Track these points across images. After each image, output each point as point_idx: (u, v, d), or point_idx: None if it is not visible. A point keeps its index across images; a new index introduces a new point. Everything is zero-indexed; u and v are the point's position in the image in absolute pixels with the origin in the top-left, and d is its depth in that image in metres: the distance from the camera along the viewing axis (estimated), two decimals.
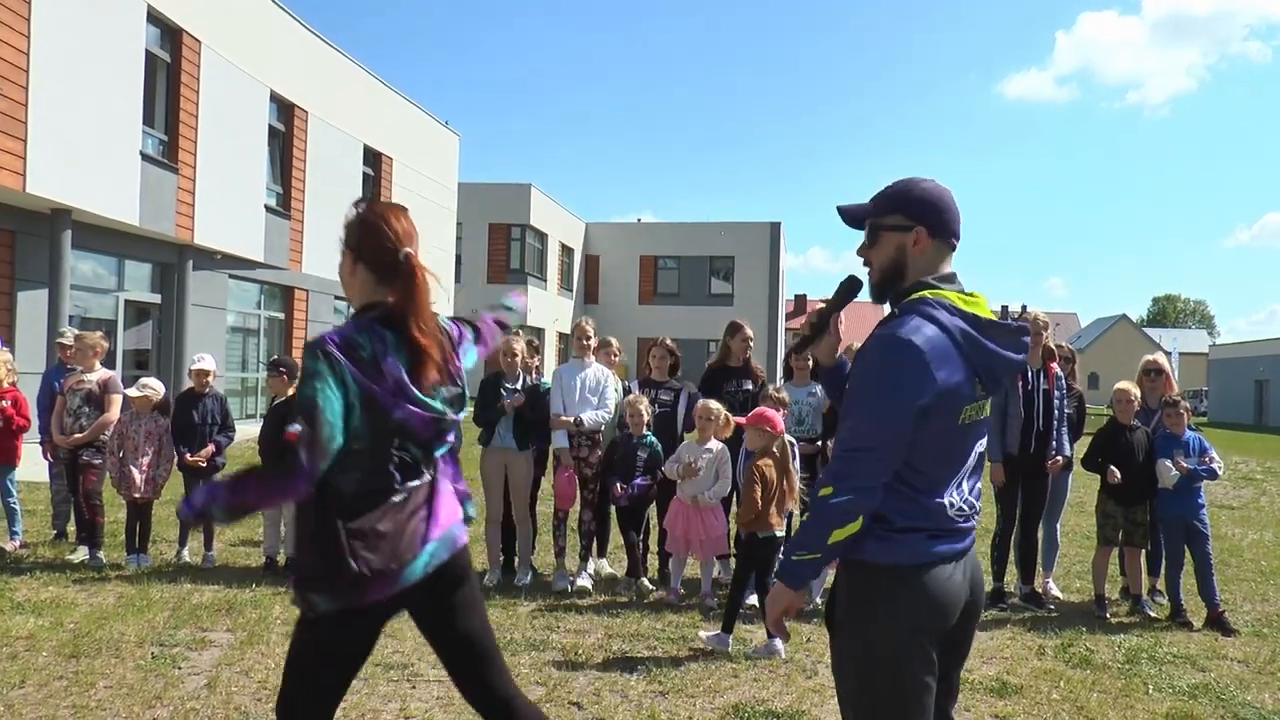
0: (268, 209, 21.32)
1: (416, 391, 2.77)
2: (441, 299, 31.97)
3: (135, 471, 7.80)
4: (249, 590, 7.09)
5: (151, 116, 17.53)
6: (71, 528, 8.51)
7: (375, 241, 2.85)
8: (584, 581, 7.51)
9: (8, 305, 15.43)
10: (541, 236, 42.95)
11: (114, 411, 8.02)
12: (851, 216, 2.73)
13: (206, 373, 8.17)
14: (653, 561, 7.98)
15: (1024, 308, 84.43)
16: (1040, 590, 7.54)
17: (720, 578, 7.43)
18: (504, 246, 41.34)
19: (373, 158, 26.91)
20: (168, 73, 18.02)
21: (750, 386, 7.92)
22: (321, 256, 23.75)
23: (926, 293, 2.56)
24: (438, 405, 2.84)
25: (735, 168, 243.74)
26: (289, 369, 7.91)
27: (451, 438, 2.95)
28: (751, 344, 8.14)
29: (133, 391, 7.93)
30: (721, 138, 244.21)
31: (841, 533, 2.43)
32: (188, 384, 8.56)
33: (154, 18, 17.19)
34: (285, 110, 22.27)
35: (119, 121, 16.19)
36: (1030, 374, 7.33)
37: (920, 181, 2.68)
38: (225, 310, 21.41)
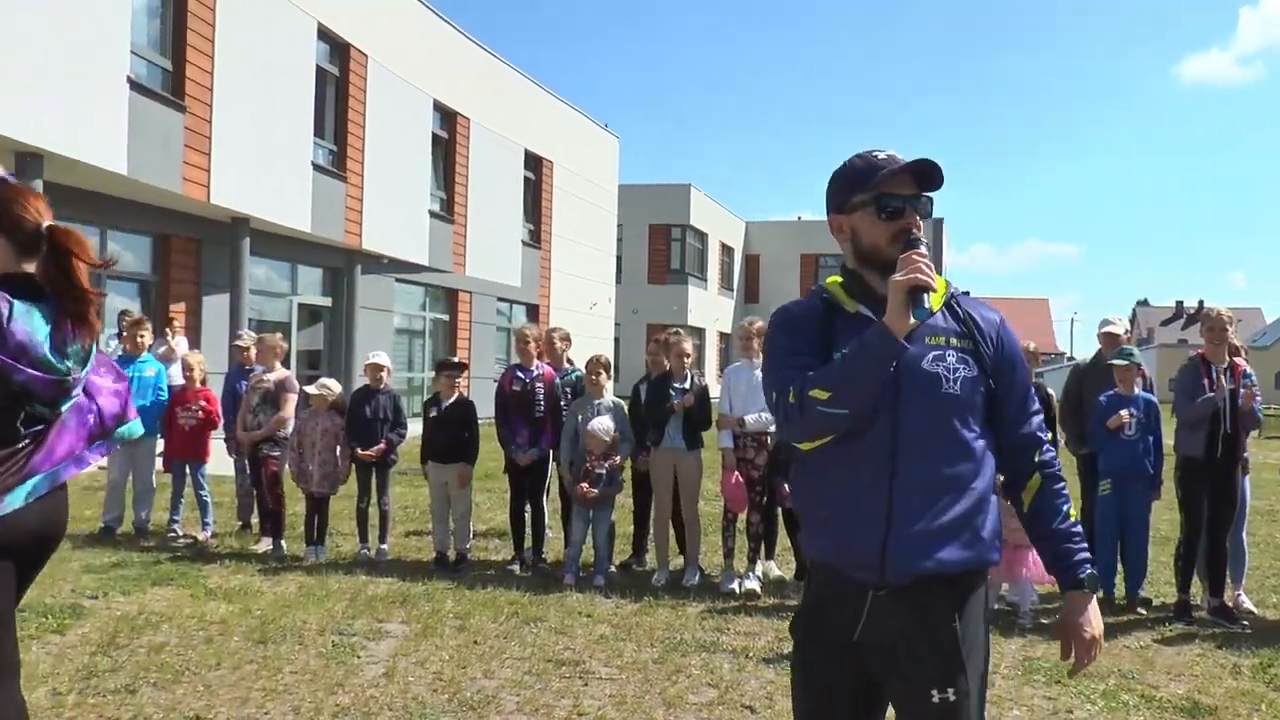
0: (432, 214, 21.95)
1: (45, 354, 2.86)
2: (604, 299, 32.44)
3: (313, 467, 8.12)
4: (421, 584, 7.29)
5: (322, 128, 18.26)
6: (255, 519, 8.93)
7: (13, 217, 2.96)
8: (752, 584, 7.44)
9: (195, 310, 16.30)
10: (701, 236, 43.06)
11: (289, 409, 8.38)
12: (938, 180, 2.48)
13: (381, 368, 8.45)
14: None
15: (1201, 304, 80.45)
16: (1231, 604, 7.04)
17: None
18: (664, 247, 41.61)
19: (533, 162, 27.43)
20: (337, 86, 18.75)
21: None
22: (484, 259, 24.32)
23: None
24: (62, 367, 2.91)
25: None
26: (457, 371, 8.20)
27: (78, 392, 3.03)
28: None
29: (312, 390, 8.27)
30: (882, 131, 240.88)
31: None
32: (358, 384, 8.89)
33: (324, 34, 17.90)
34: (448, 118, 22.90)
35: (292, 134, 16.92)
36: (1215, 372, 6.94)
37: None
38: (392, 313, 22.15)
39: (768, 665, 5.63)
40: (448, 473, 8.01)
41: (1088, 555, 2.46)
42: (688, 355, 7.81)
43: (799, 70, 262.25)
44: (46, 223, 3.03)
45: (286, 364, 9.10)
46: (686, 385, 7.69)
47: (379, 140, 19.72)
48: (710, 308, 43.51)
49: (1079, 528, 2.47)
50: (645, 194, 40.85)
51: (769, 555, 8.10)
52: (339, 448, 8.22)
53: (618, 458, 7.66)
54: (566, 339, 8.60)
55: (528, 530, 8.12)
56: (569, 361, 8.59)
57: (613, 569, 7.79)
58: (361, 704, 4.82)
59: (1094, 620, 2.43)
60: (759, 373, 7.50)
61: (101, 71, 12.64)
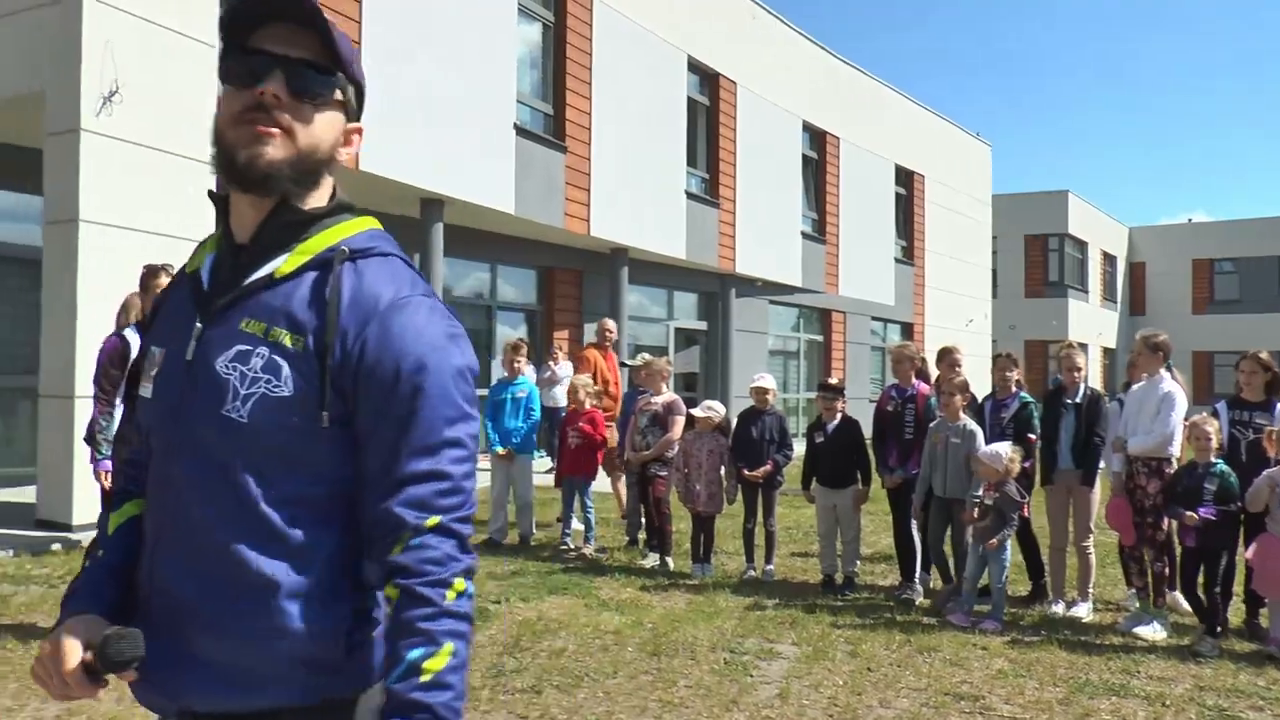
0: (804, 235, 21.94)
1: None
2: (980, 315, 31.16)
3: (699, 487, 8.17)
4: (810, 604, 7.12)
5: (694, 157, 18.72)
6: (642, 535, 9.11)
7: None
8: (1154, 630, 6.53)
9: (577, 337, 17.13)
10: (1081, 245, 40.40)
11: (676, 431, 8.49)
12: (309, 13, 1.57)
13: (767, 390, 8.39)
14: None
15: None
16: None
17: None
18: (1041, 258, 39.32)
19: (904, 177, 26.85)
20: (707, 115, 19.17)
21: None
22: (857, 279, 24.03)
23: (370, 222, 1.68)
24: None
25: None
26: (838, 392, 7.99)
27: None
28: None
29: (698, 412, 8.34)
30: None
31: None
32: (734, 406, 8.88)
33: (694, 66, 18.37)
34: (817, 138, 22.84)
35: (666, 165, 17.46)
36: None
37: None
38: (766, 334, 22.30)
39: (1188, 716, 4.97)
40: (835, 496, 7.79)
41: None
42: (1079, 370, 7.26)
43: (1183, 65, 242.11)
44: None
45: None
46: (1078, 399, 7.15)
47: (750, 165, 19.96)
48: (1092, 321, 40.60)
49: (437, 698, 1.42)
50: (1020, 203, 38.85)
51: (1173, 587, 7.13)
52: (724, 468, 8.22)
53: (1011, 488, 6.83)
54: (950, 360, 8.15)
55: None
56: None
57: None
58: None
59: None
60: (1165, 388, 6.72)
61: (492, 121, 13.59)
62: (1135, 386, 7.10)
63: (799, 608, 7.02)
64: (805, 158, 22.34)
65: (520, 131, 14.12)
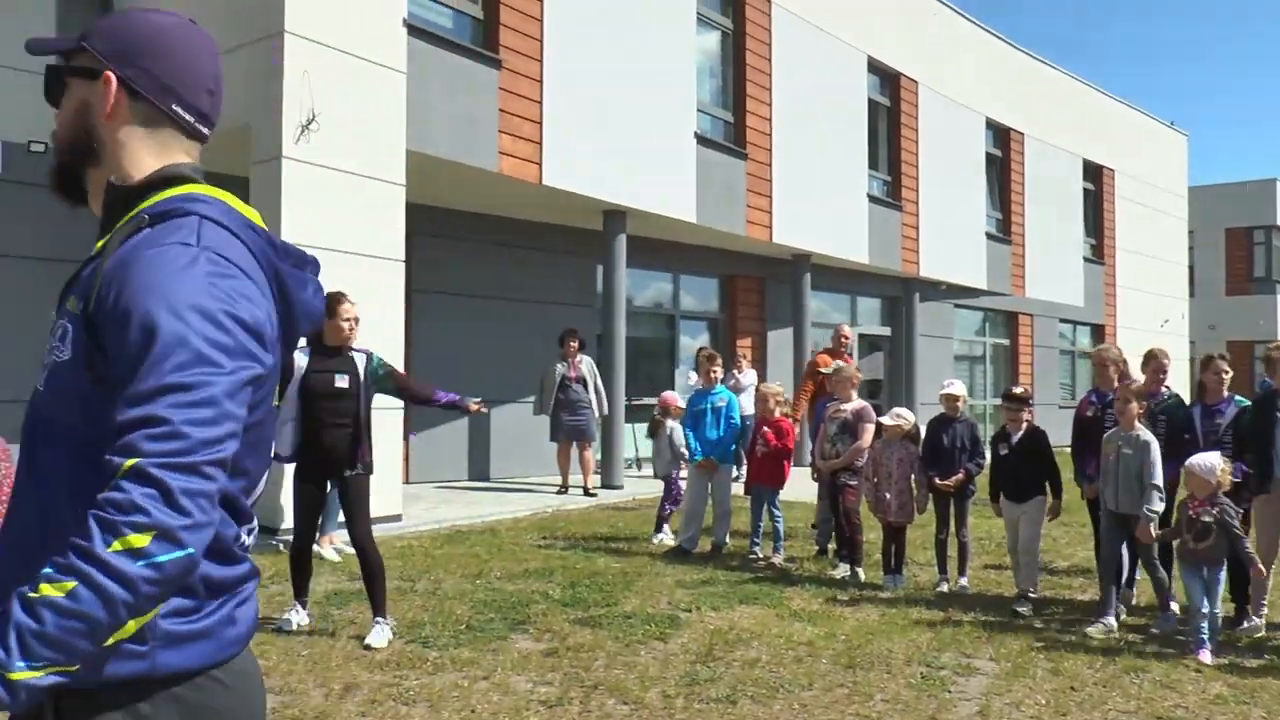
0: (988, 236, 21.38)
1: None
2: (1176, 314, 29.67)
3: (889, 496, 8.07)
4: (1006, 619, 6.95)
5: (875, 160, 18.48)
6: (832, 545, 9.06)
7: None
8: None
9: (759, 344, 17.14)
10: None
11: (866, 439, 8.40)
12: (42, 51, 1.73)
13: (957, 397, 8.23)
14: None
15: None
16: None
17: None
18: (1245, 253, 37.04)
19: (1093, 172, 25.85)
20: (888, 116, 18.90)
21: None
22: (1044, 279, 23.25)
23: (193, 187, 1.67)
24: None
25: None
26: (1022, 403, 7.71)
27: None
28: None
29: (887, 420, 8.25)
30: None
31: None
32: (919, 413, 8.72)
33: (874, 67, 18.15)
34: (1000, 135, 22.24)
35: (847, 169, 17.31)
36: None
37: (146, 12, 1.76)
38: (951, 339, 21.84)
39: None
40: (1020, 510, 7.56)
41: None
42: None
43: None
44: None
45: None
46: None
47: (932, 165, 19.59)
48: None
49: (22, 617, 1.32)
50: (1220, 195, 36.74)
51: None
52: (914, 477, 8.10)
53: (1226, 502, 6.33)
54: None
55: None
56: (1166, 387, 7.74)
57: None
58: None
59: None
60: None
61: (673, 131, 13.76)
62: None
63: (995, 622, 6.85)
64: (989, 156, 21.76)
65: (701, 140, 14.23)
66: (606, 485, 13.14)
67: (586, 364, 12.68)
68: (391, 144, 10.13)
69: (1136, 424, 6.78)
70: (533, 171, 11.78)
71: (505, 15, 11.52)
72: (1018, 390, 7.93)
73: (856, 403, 8.64)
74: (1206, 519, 6.27)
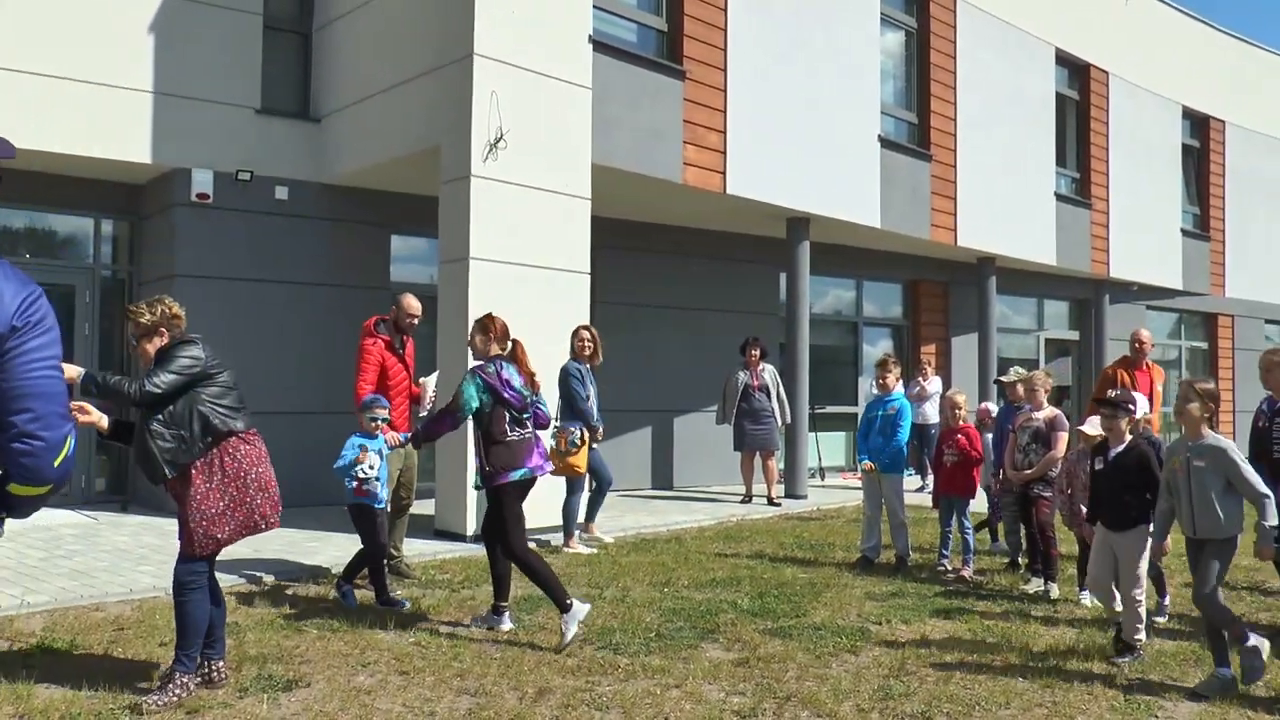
0: (1184, 233, 20.37)
1: (518, 387, 6.44)
2: None
3: (1084, 508, 7.79)
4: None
5: (1063, 156, 17.86)
6: (1023, 559, 8.81)
7: (502, 333, 6.66)
8: None
9: (944, 350, 16.78)
10: None
11: (1060, 448, 8.14)
12: None
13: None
14: None
15: None
16: None
17: None
18: None
19: None
20: (1077, 110, 18.23)
21: None
22: (1248, 278, 22.02)
23: None
24: (525, 394, 6.49)
25: None
26: (1117, 407, 6.50)
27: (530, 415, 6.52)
28: None
29: (1088, 429, 7.95)
30: None
31: None
32: None
33: (1062, 59, 17.53)
34: (1199, 125, 21.16)
35: (1034, 167, 16.77)
36: None
37: None
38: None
39: None
40: (1116, 539, 6.40)
41: None
42: None
43: None
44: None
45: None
46: None
47: (1123, 159, 18.80)
48: None
49: None
50: None
51: None
52: None
53: None
54: None
55: None
56: None
57: None
58: None
59: None
60: None
61: (855, 135, 13.63)
62: None
63: (1200, 646, 6.54)
64: (1185, 147, 20.71)
65: (884, 143, 14.05)
66: (790, 495, 13.10)
67: (769, 372, 12.68)
68: (577, 159, 10.38)
69: (1204, 429, 5.72)
70: (717, 181, 11.87)
71: (689, 26, 11.66)
72: (1113, 394, 6.82)
73: (1049, 410, 8.37)
74: None
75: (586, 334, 9.73)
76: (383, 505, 7.24)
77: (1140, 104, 19.23)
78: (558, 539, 9.66)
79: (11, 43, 10.04)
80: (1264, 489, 5.52)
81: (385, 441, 7.18)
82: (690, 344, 13.96)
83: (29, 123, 10.03)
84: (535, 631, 6.51)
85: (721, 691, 5.37)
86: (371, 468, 7.02)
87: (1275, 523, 5.52)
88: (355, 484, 7.03)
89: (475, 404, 6.35)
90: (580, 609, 6.21)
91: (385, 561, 7.40)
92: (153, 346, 5.21)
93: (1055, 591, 7.96)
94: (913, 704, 5.20)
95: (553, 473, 7.76)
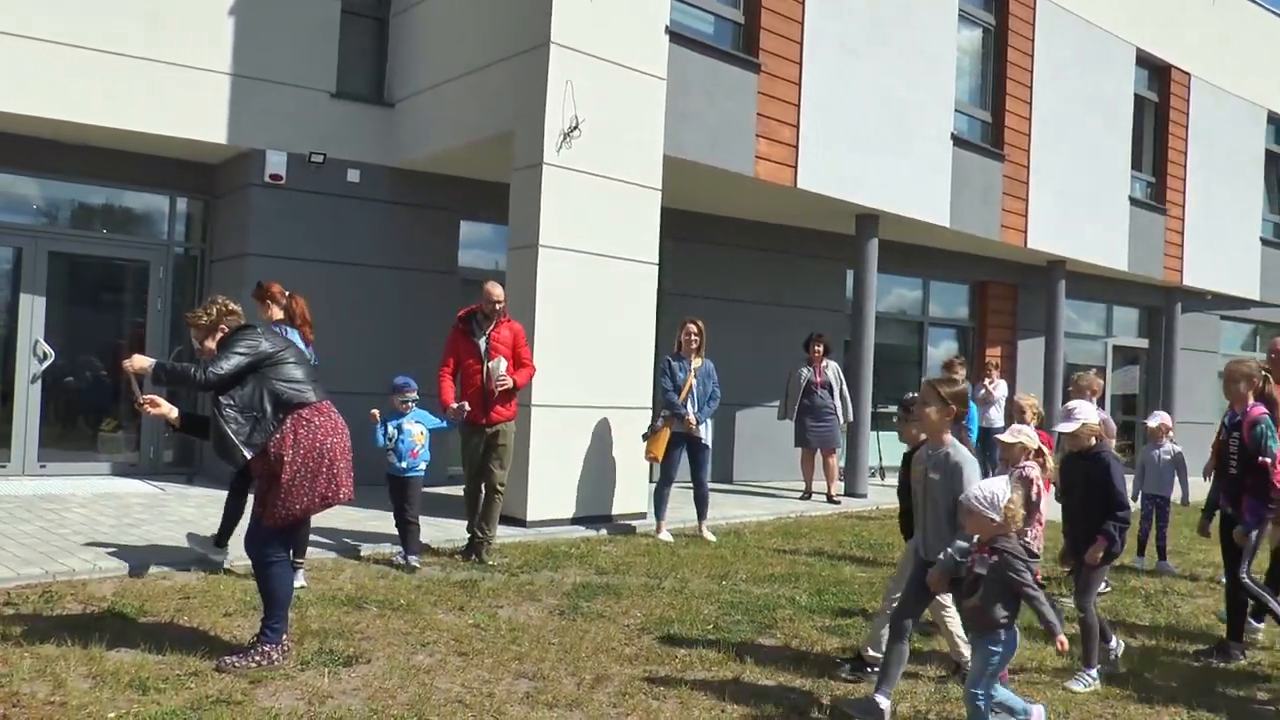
0: (1264, 241, 19.86)
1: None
2: None
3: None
4: None
5: (1139, 160, 17.50)
6: None
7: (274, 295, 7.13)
8: None
9: (1010, 354, 16.56)
10: None
11: None
12: None
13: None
14: None
15: None
16: None
17: None
18: None
19: None
20: (1155, 113, 17.86)
21: None
22: None
23: None
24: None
25: None
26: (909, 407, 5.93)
27: None
28: None
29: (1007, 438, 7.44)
30: None
31: None
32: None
33: (1142, 60, 17.18)
34: None
35: (1109, 170, 16.45)
36: None
37: None
38: (1215, 354, 20.42)
39: None
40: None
41: None
42: None
43: None
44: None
45: (1102, 406, 8.66)
46: None
47: (1202, 164, 18.36)
48: None
49: None
50: None
51: None
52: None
53: (1012, 545, 4.51)
54: None
55: None
56: None
57: None
58: None
59: None
60: None
61: (930, 132, 13.46)
62: None
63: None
64: (1269, 153, 20.17)
65: (958, 141, 13.86)
66: (850, 493, 13.00)
67: (833, 369, 12.59)
68: (649, 149, 10.35)
69: (946, 436, 5.06)
70: (788, 175, 11.79)
71: (766, 19, 11.57)
72: (908, 396, 6.00)
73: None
74: (980, 570, 4.50)
75: (693, 327, 9.83)
76: (413, 475, 7.84)
77: (1222, 107, 18.77)
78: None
79: (95, 22, 10.22)
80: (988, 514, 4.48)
81: (410, 418, 7.84)
82: (755, 338, 13.89)
83: (109, 101, 10.24)
84: (593, 619, 6.51)
85: (778, 685, 5.34)
86: (390, 439, 7.75)
87: (955, 555, 4.67)
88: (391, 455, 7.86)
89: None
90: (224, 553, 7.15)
91: (408, 526, 7.80)
92: (214, 342, 5.40)
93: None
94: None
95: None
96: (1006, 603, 4.43)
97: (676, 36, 10.69)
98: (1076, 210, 15.83)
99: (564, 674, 5.34)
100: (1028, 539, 5.72)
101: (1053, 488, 6.47)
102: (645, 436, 9.73)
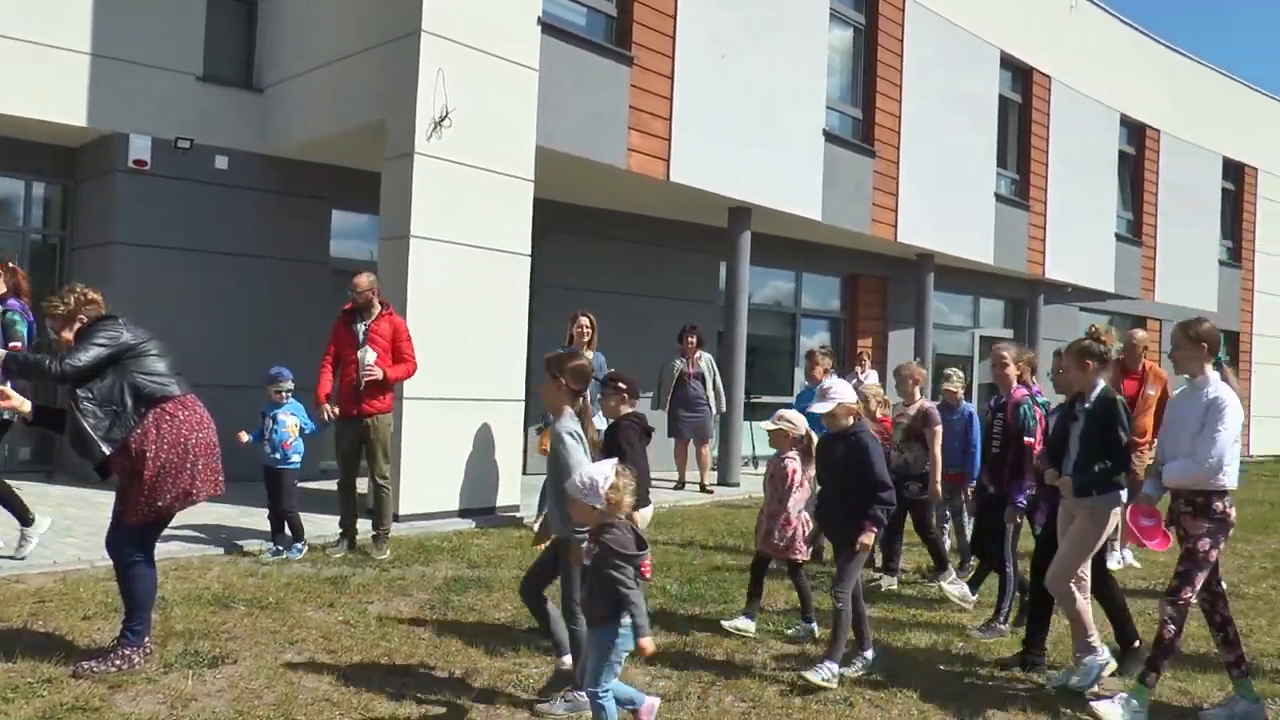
0: (1118, 237, 20.78)
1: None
2: None
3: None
4: None
5: (1004, 158, 18.11)
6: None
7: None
8: None
9: (881, 344, 17.01)
10: None
11: (935, 446, 7.93)
12: None
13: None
14: None
15: None
16: None
17: None
18: None
19: (1233, 170, 24.86)
20: (1018, 113, 18.50)
21: None
22: (1176, 283, 22.50)
23: None
24: None
25: None
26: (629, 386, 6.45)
27: None
28: None
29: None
30: None
31: None
32: None
33: (1006, 62, 17.77)
34: (1135, 132, 21.58)
35: (975, 168, 17.01)
36: None
37: None
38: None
39: None
40: None
41: None
42: None
43: None
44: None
45: (935, 396, 8.90)
46: None
47: (1062, 163, 19.12)
48: None
49: None
50: None
51: None
52: None
53: (619, 536, 4.30)
54: None
55: None
56: None
57: None
58: None
59: None
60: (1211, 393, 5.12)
61: (800, 128, 13.72)
62: (1176, 392, 5.60)
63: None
64: (1122, 154, 21.10)
65: (829, 137, 14.17)
66: (723, 483, 13.21)
67: (706, 360, 12.75)
68: (521, 140, 10.34)
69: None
70: (660, 168, 11.89)
71: (639, 12, 11.65)
72: (623, 374, 6.44)
73: (921, 403, 8.16)
74: (587, 561, 4.36)
75: (585, 320, 9.87)
76: (287, 467, 7.89)
77: (1081, 110, 19.55)
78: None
79: None
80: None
81: (285, 409, 7.90)
82: (628, 330, 13.96)
83: None
84: (464, 612, 6.51)
85: (648, 675, 5.41)
86: (265, 432, 7.82)
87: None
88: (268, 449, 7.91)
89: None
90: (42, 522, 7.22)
91: (289, 520, 7.92)
92: (72, 333, 5.19)
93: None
94: (838, 690, 5.28)
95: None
96: (608, 596, 4.21)
97: (549, 28, 10.68)
98: (945, 206, 16.32)
99: (434, 669, 5.34)
100: (788, 536, 6.35)
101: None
102: (539, 430, 9.76)
